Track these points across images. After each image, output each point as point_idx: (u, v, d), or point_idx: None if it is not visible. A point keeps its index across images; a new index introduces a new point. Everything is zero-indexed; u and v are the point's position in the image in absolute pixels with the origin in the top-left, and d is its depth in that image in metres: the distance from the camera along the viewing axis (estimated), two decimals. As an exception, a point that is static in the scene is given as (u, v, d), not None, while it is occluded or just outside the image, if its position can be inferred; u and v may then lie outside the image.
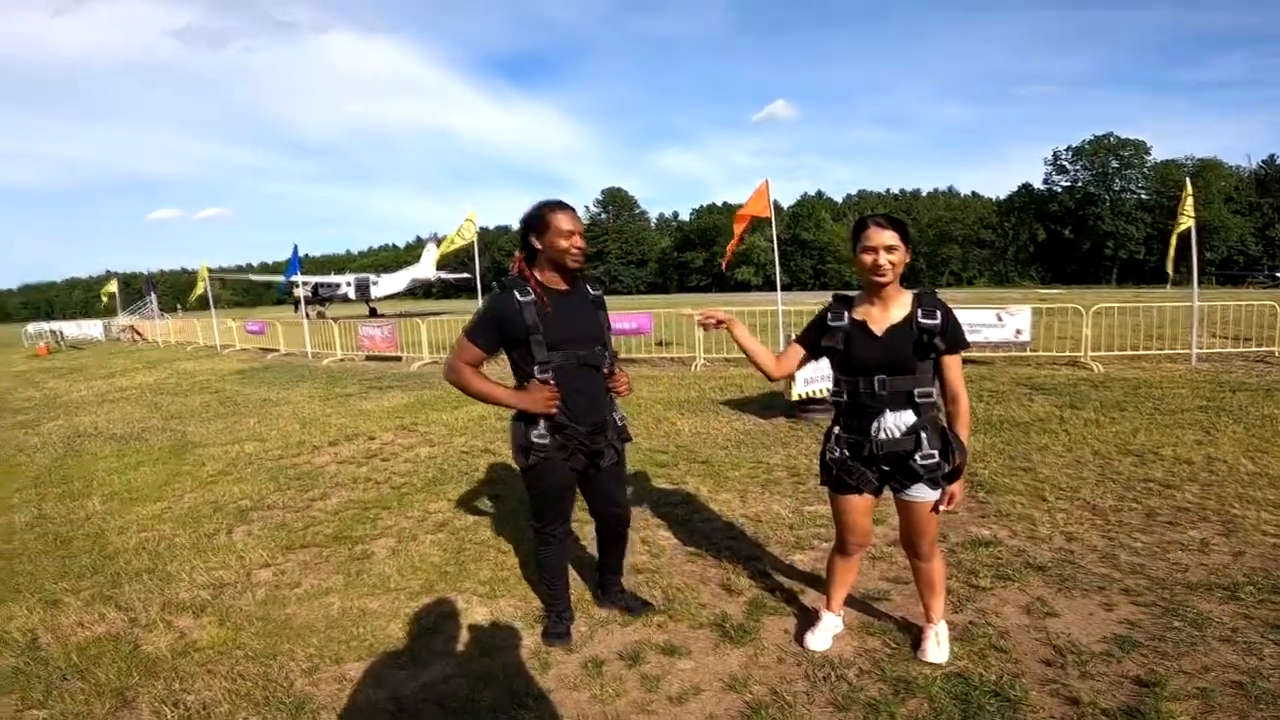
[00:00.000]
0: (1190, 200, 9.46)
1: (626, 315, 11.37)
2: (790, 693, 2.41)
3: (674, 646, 2.74)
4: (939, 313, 2.33)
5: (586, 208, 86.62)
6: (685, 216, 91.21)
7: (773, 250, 10.50)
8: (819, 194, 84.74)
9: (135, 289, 48.29)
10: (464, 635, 2.94)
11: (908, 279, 2.41)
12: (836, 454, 2.49)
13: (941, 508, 2.43)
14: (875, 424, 2.38)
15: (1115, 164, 66.46)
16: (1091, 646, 2.59)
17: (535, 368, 2.53)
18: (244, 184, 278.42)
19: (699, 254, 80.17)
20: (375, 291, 39.20)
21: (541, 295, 2.53)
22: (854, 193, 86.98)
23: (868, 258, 2.31)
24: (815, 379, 6.29)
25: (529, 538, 3.56)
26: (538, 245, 2.56)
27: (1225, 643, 2.57)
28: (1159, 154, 66.22)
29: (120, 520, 4.67)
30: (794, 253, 73.07)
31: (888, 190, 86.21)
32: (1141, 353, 9.73)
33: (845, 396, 2.45)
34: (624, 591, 3.13)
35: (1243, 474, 4.47)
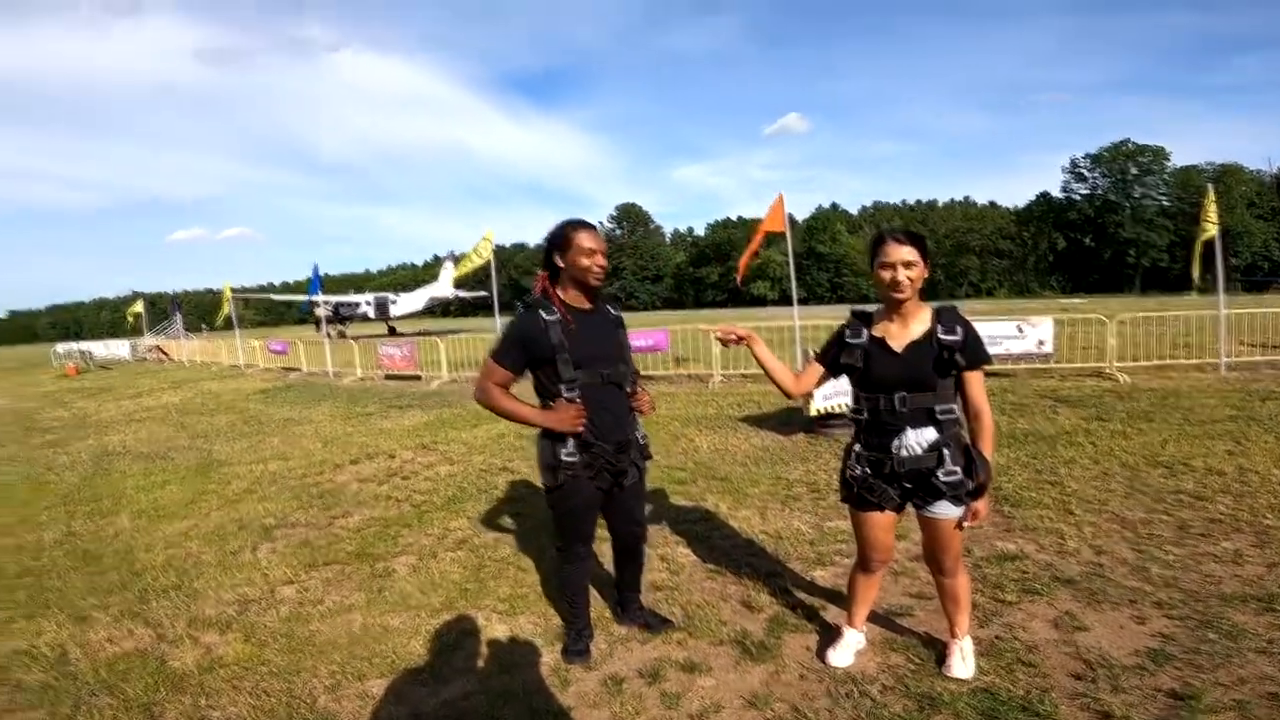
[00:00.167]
0: (1213, 207, 9.33)
1: (643, 332, 11.30)
2: (812, 709, 2.39)
3: (694, 663, 2.72)
4: (959, 328, 2.31)
5: (601, 223, 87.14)
6: (700, 231, 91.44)
7: (788, 264, 10.48)
8: (834, 206, 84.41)
9: (161, 309, 49.40)
10: (484, 652, 2.94)
11: (926, 292, 2.38)
12: (857, 471, 2.47)
13: (965, 524, 2.40)
14: (896, 441, 2.35)
15: (1135, 170, 65.52)
16: (1123, 660, 2.53)
17: (562, 386, 2.55)
18: (266, 202, 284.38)
19: (714, 269, 79.99)
20: (394, 310, 39.62)
21: (566, 314, 2.55)
22: (869, 204, 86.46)
23: (885, 274, 2.29)
24: (834, 394, 6.24)
25: (550, 556, 3.57)
26: (560, 263, 2.58)
27: (1261, 654, 2.51)
28: (1178, 160, 65.38)
29: (148, 538, 4.75)
30: (810, 266, 72.77)
31: (903, 201, 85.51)
32: (1168, 362, 9.54)
33: (865, 414, 2.42)
34: (643, 608, 3.12)
35: (1276, 484, 4.36)
